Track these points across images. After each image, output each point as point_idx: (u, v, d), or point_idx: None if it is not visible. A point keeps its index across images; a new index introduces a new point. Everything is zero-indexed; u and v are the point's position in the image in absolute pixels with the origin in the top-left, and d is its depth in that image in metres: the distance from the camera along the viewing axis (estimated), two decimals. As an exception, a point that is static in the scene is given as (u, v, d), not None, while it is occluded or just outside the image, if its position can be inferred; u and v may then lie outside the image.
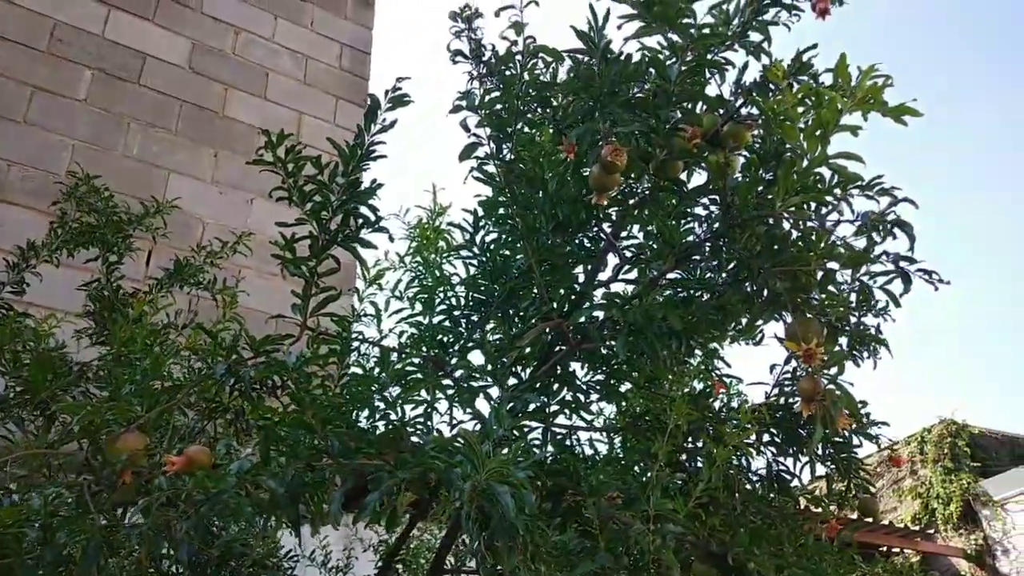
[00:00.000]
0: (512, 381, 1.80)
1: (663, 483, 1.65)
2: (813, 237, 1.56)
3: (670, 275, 2.06)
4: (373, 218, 1.74)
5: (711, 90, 1.86)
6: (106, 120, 4.78)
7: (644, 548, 1.43)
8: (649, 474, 1.79)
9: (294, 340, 1.83)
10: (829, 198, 1.42)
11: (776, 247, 1.47)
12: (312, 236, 1.78)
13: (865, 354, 2.21)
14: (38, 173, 4.42)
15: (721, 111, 1.81)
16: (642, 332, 1.71)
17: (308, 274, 1.78)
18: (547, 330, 1.84)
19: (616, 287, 1.97)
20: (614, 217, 1.97)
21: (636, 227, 2.01)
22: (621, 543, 1.43)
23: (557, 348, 1.88)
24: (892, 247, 1.88)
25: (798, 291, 1.45)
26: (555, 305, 1.74)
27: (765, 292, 1.54)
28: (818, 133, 1.30)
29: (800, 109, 1.44)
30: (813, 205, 1.40)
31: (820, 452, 2.26)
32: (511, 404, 1.53)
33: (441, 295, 2.13)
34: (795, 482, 2.33)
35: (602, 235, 1.93)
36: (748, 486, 2.04)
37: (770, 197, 1.42)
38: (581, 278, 1.99)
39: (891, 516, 8.91)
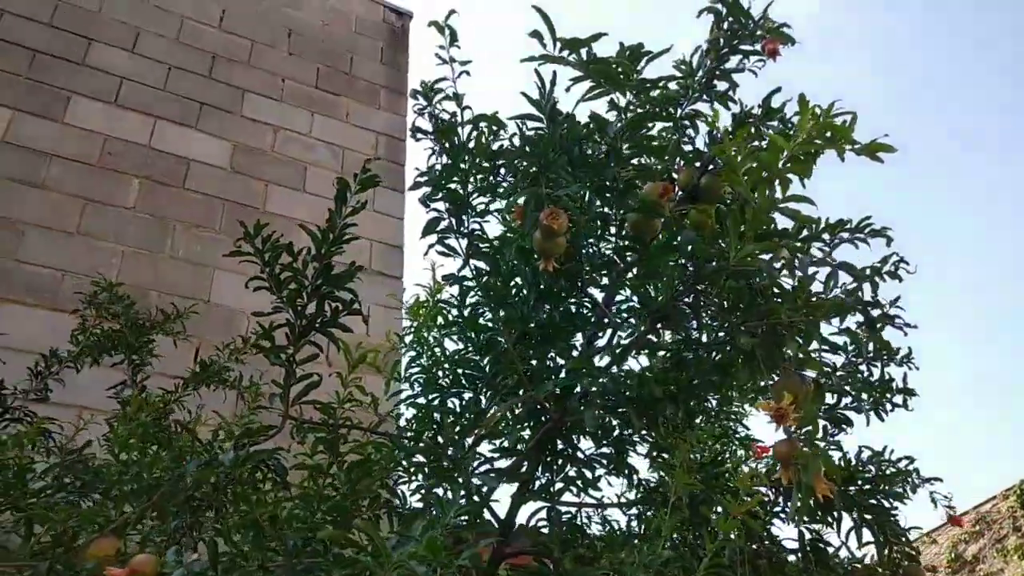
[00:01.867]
0: (500, 463, 1.73)
1: (661, 561, 1.54)
2: (793, 287, 1.47)
3: (669, 338, 1.98)
4: (349, 301, 1.73)
5: (692, 144, 1.82)
6: (153, 225, 5.00)
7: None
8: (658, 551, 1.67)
9: (276, 431, 1.81)
10: (797, 244, 1.33)
11: (742, 302, 1.38)
12: (288, 323, 1.77)
13: (888, 407, 2.06)
14: (89, 281, 4.62)
15: (697, 164, 1.76)
16: (628, 402, 1.63)
17: (287, 362, 1.77)
18: (535, 407, 1.77)
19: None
20: (605, 282, 1.91)
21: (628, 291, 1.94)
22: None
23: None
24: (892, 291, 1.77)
25: (770, 347, 1.36)
26: (533, 380, 1.67)
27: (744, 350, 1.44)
28: (764, 177, 1.23)
29: (762, 154, 1.37)
30: (771, 254, 1.31)
31: (861, 518, 2.10)
32: (481, 485, 1.45)
33: (439, 374, 2.08)
34: (843, 551, 2.16)
35: (587, 302, 1.86)
36: (768, 559, 1.88)
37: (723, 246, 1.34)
38: (577, 347, 1.93)
39: (994, 579, 8.18)
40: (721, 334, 1.54)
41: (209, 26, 6.08)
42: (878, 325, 1.72)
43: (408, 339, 2.23)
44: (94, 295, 2.92)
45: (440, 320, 2.18)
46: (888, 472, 2.13)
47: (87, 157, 5.00)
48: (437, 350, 2.19)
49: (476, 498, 1.43)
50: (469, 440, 1.59)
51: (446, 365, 2.02)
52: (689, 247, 1.45)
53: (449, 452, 1.52)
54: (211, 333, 4.40)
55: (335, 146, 5.99)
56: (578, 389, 1.60)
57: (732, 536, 1.74)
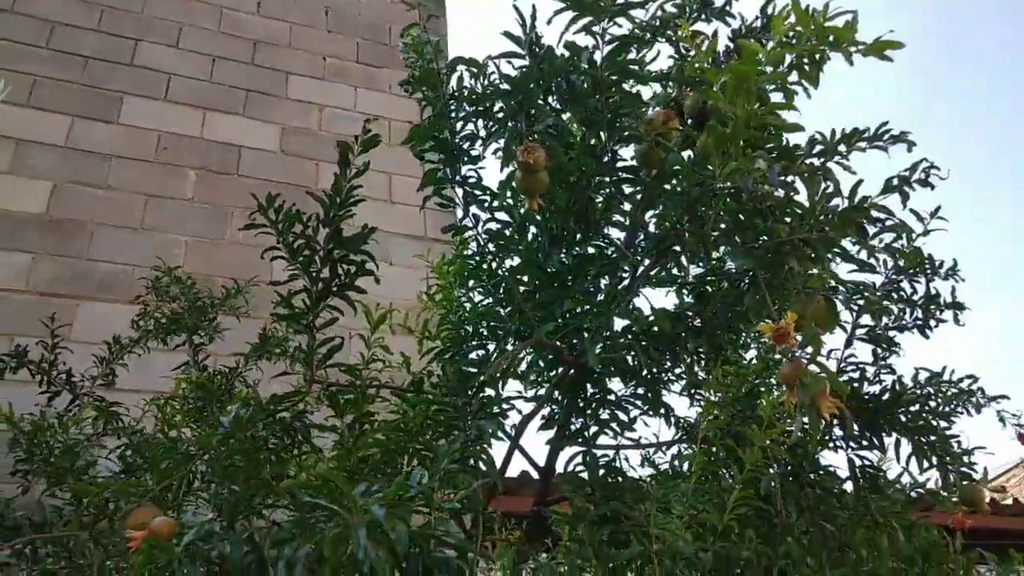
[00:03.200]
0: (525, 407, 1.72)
1: (688, 496, 1.51)
2: (810, 204, 1.39)
3: (694, 271, 1.92)
4: (361, 263, 1.74)
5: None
6: (212, 213, 5.16)
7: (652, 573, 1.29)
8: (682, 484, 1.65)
9: (302, 396, 1.85)
10: (774, 156, 1.25)
11: (739, 221, 1.32)
12: (305, 289, 1.80)
13: (933, 323, 1.96)
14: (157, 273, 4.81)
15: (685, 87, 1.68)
16: (644, 338, 1.59)
17: (307, 327, 1.80)
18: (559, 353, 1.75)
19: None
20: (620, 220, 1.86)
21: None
22: (619, 570, 1.31)
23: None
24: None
25: (773, 267, 1.29)
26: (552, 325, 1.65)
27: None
28: (744, 90, 1.16)
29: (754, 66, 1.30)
30: (767, 169, 1.23)
31: (923, 440, 2.01)
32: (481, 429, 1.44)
33: (467, 329, 2.08)
34: (904, 478, 2.08)
35: (605, 243, 1.82)
36: (814, 488, 1.82)
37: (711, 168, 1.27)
38: (601, 291, 1.89)
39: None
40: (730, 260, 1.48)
41: (248, 13, 6.16)
42: (913, 235, 1.62)
43: (438, 297, 2.24)
44: (156, 280, 3.04)
45: (465, 274, 2.17)
46: (949, 393, 2.03)
47: (144, 154, 5.17)
48: (467, 305, 2.19)
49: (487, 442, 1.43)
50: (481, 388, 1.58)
51: (471, 319, 2.02)
52: (676, 168, 1.39)
53: (458, 401, 1.52)
54: (248, 315, 4.54)
55: (380, 117, 6.01)
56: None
57: (766, 467, 1.70)
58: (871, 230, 1.45)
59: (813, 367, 1.15)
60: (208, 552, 1.17)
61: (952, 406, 1.98)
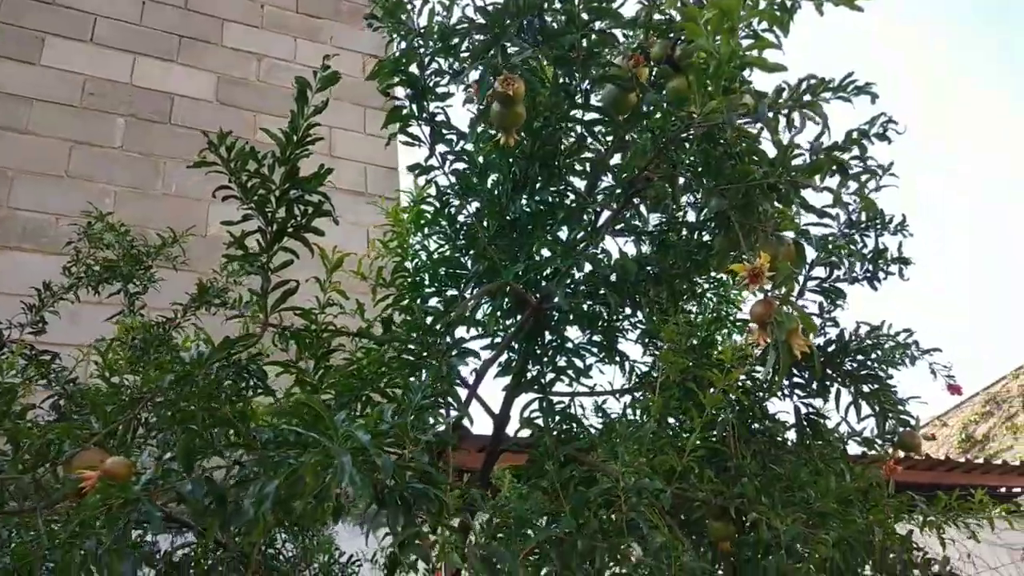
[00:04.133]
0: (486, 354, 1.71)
1: (648, 438, 1.53)
2: (782, 148, 1.40)
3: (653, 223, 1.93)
4: (317, 204, 1.69)
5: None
6: (143, 163, 4.95)
7: (618, 509, 1.31)
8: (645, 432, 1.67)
9: (256, 339, 1.79)
10: (761, 92, 1.26)
11: (712, 163, 1.32)
12: (260, 230, 1.74)
13: (882, 275, 2.02)
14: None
15: (671, 35, 1.67)
16: (607, 284, 1.59)
17: (261, 268, 1.75)
18: (520, 299, 1.74)
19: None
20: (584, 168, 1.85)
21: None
22: (587, 506, 1.32)
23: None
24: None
25: (744, 208, 1.30)
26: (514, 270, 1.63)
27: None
28: (726, 26, 1.15)
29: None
30: (737, 108, 1.24)
31: (867, 389, 2.08)
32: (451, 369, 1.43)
33: (424, 277, 2.05)
34: (843, 427, 2.16)
35: (569, 190, 1.81)
36: (763, 434, 1.87)
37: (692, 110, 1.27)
38: (560, 238, 1.88)
39: (1007, 455, 8.26)
40: (697, 204, 1.49)
41: (181, -45, 5.88)
42: (866, 188, 1.66)
43: (392, 244, 2.19)
44: (88, 226, 2.90)
45: (422, 222, 2.14)
46: (887, 345, 2.10)
47: (68, 99, 4.91)
48: (423, 254, 2.16)
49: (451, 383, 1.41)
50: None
51: (429, 266, 1.99)
52: (652, 107, 1.38)
53: (425, 342, 1.50)
54: (210, 264, 4.40)
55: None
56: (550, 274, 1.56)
57: (722, 412, 1.74)
58: (835, 180, 1.48)
59: (785, 307, 1.17)
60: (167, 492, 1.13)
61: (893, 357, 2.06)
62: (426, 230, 1.99)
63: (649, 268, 1.76)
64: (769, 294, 1.21)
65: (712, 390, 1.59)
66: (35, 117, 4.77)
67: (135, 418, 1.59)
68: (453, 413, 1.74)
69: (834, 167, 1.36)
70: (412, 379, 1.41)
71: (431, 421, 1.17)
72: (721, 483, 1.62)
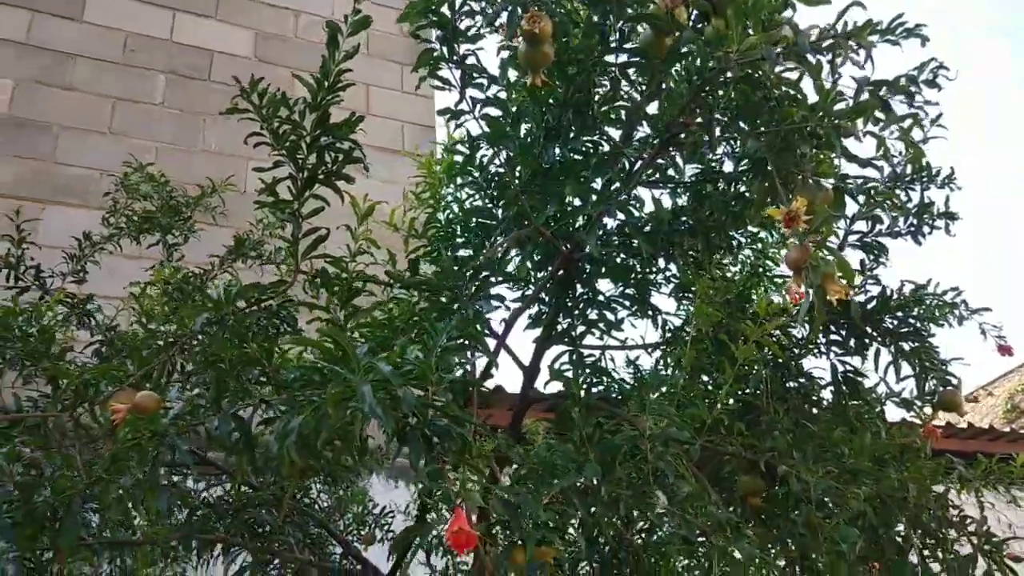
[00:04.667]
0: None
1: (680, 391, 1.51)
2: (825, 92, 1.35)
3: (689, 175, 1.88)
4: (348, 150, 1.68)
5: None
6: (183, 119, 4.98)
7: (644, 458, 1.29)
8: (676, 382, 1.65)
9: (287, 285, 1.80)
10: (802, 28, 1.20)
11: (750, 106, 1.27)
12: (291, 176, 1.74)
13: (927, 230, 1.95)
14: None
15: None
16: (641, 234, 1.56)
17: (292, 215, 1.75)
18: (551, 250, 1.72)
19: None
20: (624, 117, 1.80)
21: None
22: (613, 455, 1.31)
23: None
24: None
25: (782, 152, 1.26)
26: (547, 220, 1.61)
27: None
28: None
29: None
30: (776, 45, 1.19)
31: (904, 347, 2.02)
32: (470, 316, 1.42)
33: (456, 228, 2.04)
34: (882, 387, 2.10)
35: (604, 139, 1.77)
36: (798, 392, 1.83)
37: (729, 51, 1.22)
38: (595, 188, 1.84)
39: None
40: (735, 154, 1.44)
41: (220, -90, 5.85)
42: (912, 137, 1.59)
43: (424, 196, 2.18)
44: (125, 175, 2.94)
45: (453, 172, 2.12)
46: (932, 303, 2.04)
47: (110, 55, 4.95)
48: (455, 206, 2.15)
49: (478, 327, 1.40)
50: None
51: (461, 217, 1.98)
52: (690, 48, 1.33)
53: (452, 288, 1.49)
54: (249, 220, 4.43)
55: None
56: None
57: (756, 366, 1.70)
58: (879, 131, 1.42)
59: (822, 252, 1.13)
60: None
61: (936, 314, 1.99)
62: (458, 180, 1.98)
63: (684, 219, 1.72)
64: (806, 240, 1.17)
65: (745, 343, 1.56)
66: (78, 73, 4.83)
67: (169, 361, 1.62)
68: (481, 364, 1.74)
69: (879, 112, 1.30)
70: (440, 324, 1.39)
71: (456, 361, 1.16)
72: (752, 437, 1.59)
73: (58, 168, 4.58)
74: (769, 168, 1.25)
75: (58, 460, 1.48)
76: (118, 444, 1.23)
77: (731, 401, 1.79)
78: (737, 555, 1.28)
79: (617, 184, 1.53)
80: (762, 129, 1.27)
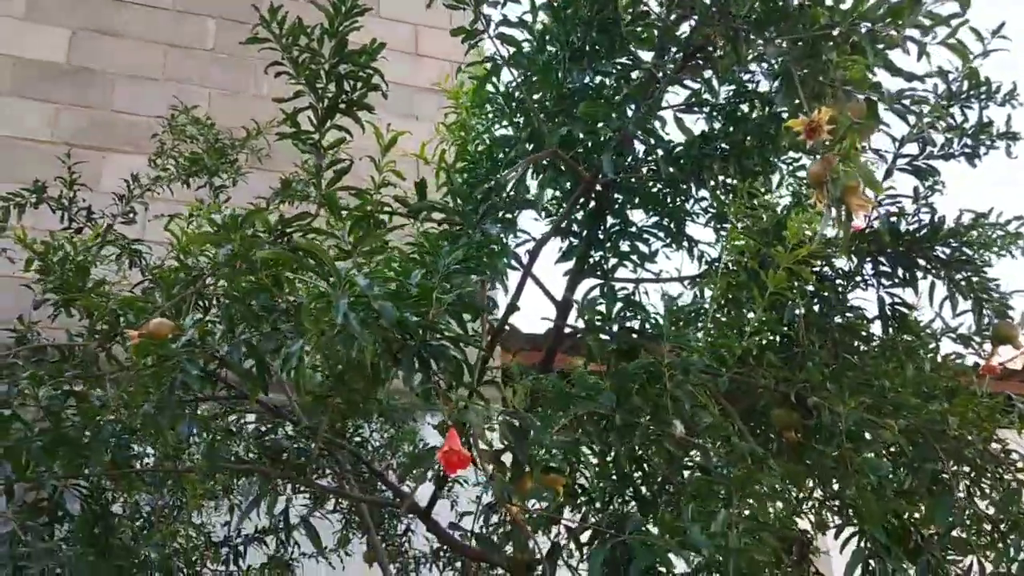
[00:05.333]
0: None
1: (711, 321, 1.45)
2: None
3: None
4: (367, 78, 1.65)
5: None
6: (235, 65, 5.01)
7: (663, 387, 1.25)
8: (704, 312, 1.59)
9: (312, 217, 1.79)
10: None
11: (776, 9, 1.18)
12: (311, 107, 1.72)
13: (983, 151, 1.82)
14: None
15: None
16: (668, 158, 1.49)
17: (314, 147, 1.73)
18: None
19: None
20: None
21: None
22: (630, 381, 1.27)
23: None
24: None
25: (808, 60, 1.17)
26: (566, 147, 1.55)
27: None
28: None
29: None
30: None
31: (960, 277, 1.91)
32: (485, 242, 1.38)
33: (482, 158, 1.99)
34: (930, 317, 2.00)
35: (631, 61, 1.69)
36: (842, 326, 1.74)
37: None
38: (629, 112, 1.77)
39: None
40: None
41: None
42: (970, 55, 1.47)
43: (454, 127, 2.14)
44: (172, 118, 2.98)
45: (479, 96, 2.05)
46: (993, 234, 1.91)
47: (161, 2, 4.99)
48: (485, 137, 2.09)
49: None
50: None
51: (488, 149, 1.93)
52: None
53: (466, 208, 1.45)
54: (296, 163, 4.46)
55: (405, -35, 5.70)
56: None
57: (790, 292, 1.62)
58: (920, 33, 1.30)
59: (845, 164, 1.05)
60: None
61: (993, 242, 1.87)
62: (486, 107, 1.92)
63: (716, 143, 1.64)
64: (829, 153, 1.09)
65: (779, 267, 1.49)
66: (130, 20, 4.89)
67: (196, 292, 1.64)
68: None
69: (921, 16, 1.19)
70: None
71: (460, 283, 1.13)
72: (787, 370, 1.53)
73: (115, 116, 4.68)
74: (794, 80, 1.16)
75: (96, 389, 1.53)
76: (136, 370, 1.25)
77: (768, 334, 1.72)
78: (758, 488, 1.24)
79: (640, 100, 1.45)
80: (788, 35, 1.18)
